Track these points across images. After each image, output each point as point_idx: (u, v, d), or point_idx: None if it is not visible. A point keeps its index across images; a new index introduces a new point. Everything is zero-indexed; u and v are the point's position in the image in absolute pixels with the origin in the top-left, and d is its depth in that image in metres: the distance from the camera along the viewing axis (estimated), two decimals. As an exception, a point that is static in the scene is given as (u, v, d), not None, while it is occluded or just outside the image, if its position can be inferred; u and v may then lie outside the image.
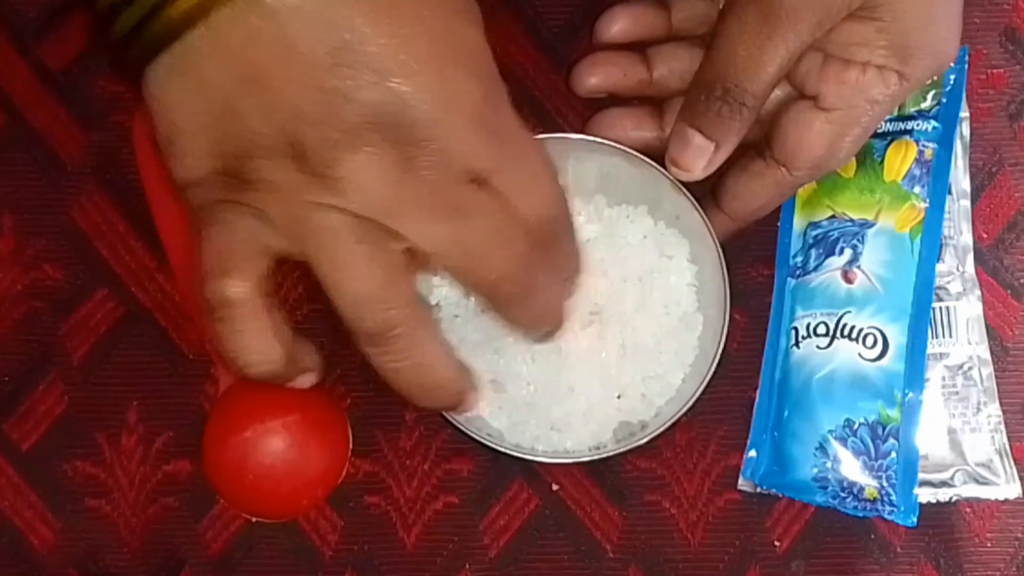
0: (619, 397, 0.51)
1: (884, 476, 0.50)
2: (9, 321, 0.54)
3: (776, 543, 0.53)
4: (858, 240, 0.52)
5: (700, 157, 0.50)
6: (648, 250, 0.52)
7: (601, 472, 0.53)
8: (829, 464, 0.50)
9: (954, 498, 0.52)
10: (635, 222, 0.53)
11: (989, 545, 0.53)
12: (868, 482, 0.50)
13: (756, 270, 0.54)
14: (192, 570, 0.52)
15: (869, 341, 0.51)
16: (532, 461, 0.51)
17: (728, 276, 0.50)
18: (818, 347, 0.51)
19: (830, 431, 0.50)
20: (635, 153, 0.51)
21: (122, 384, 0.53)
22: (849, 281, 0.51)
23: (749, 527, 0.53)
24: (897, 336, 0.51)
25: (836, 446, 0.50)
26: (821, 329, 0.51)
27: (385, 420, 0.53)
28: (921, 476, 0.51)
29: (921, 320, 0.51)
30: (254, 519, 0.52)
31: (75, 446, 0.53)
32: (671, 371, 0.52)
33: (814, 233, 0.53)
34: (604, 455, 0.50)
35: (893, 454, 0.50)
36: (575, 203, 0.53)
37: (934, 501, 0.52)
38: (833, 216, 0.53)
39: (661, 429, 0.50)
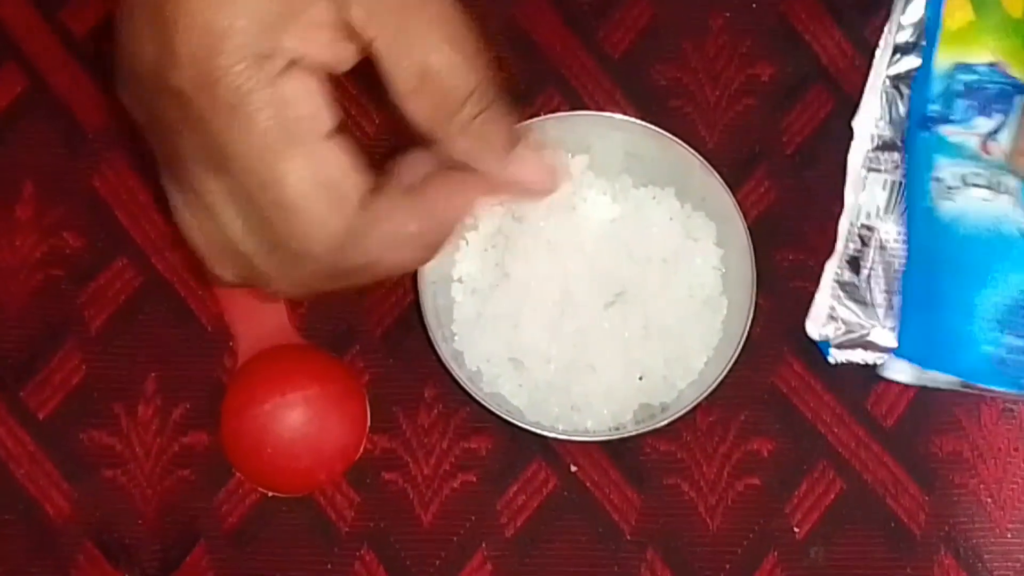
0: (641, 378, 0.51)
1: None
2: (27, 288, 0.53)
3: (795, 529, 0.52)
4: (1009, 107, 0.42)
5: None
6: (674, 232, 0.52)
7: (620, 454, 0.53)
8: (1011, 340, 0.41)
9: None
10: (661, 203, 0.52)
11: (1010, 536, 0.52)
12: None
13: (782, 255, 0.54)
14: (207, 543, 0.52)
15: None
16: (552, 439, 0.51)
17: (755, 260, 0.50)
18: (983, 199, 0.42)
19: (1016, 298, 0.41)
20: (663, 132, 0.51)
21: (140, 354, 0.53)
22: (987, 152, 0.43)
23: (768, 512, 0.52)
24: None
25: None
26: (980, 180, 0.42)
27: (404, 396, 0.53)
28: None
29: None
30: (270, 493, 0.52)
31: (92, 415, 0.53)
32: (694, 354, 0.51)
33: (967, 79, 0.44)
34: (624, 435, 0.50)
35: None
36: (600, 183, 0.52)
37: None
38: (994, 64, 0.43)
39: (682, 412, 0.49)
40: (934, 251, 0.43)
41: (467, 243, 0.52)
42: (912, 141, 0.44)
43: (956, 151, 0.43)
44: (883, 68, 0.50)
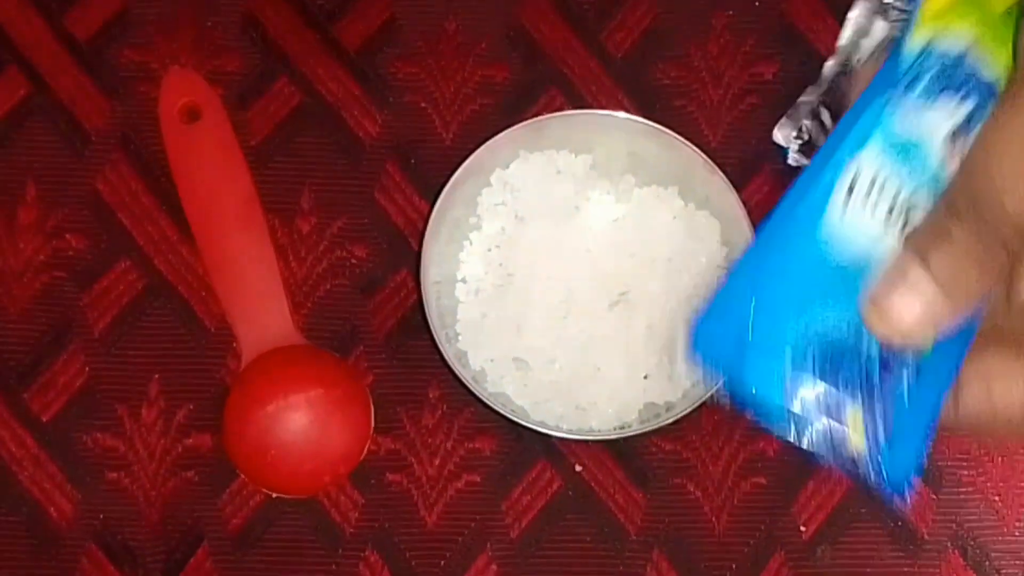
0: (645, 378, 0.51)
1: (880, 414, 0.32)
2: (31, 291, 0.53)
3: (802, 528, 0.52)
4: (981, 107, 0.34)
5: (914, 301, 0.32)
6: (678, 231, 0.52)
7: (625, 454, 0.52)
8: (810, 382, 0.32)
9: None
10: (665, 203, 0.52)
11: (1017, 534, 0.52)
12: (852, 413, 0.32)
13: (786, 252, 0.54)
14: (211, 545, 0.52)
15: None
16: (556, 439, 0.51)
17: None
18: (872, 236, 0.32)
19: (829, 336, 0.32)
20: (667, 131, 0.51)
21: (143, 356, 0.53)
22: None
23: (774, 512, 0.52)
24: None
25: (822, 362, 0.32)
26: (888, 193, 0.32)
27: (408, 397, 0.53)
28: None
29: None
30: (274, 495, 0.52)
31: (95, 418, 0.52)
32: (699, 353, 0.51)
33: (941, 60, 0.34)
34: (629, 434, 0.50)
35: (904, 390, 0.33)
36: (603, 183, 0.52)
37: None
38: (965, 52, 0.34)
39: (687, 410, 0.49)
40: (794, 256, 0.33)
41: (471, 243, 0.52)
42: (868, 99, 0.34)
43: (898, 149, 0.33)
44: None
